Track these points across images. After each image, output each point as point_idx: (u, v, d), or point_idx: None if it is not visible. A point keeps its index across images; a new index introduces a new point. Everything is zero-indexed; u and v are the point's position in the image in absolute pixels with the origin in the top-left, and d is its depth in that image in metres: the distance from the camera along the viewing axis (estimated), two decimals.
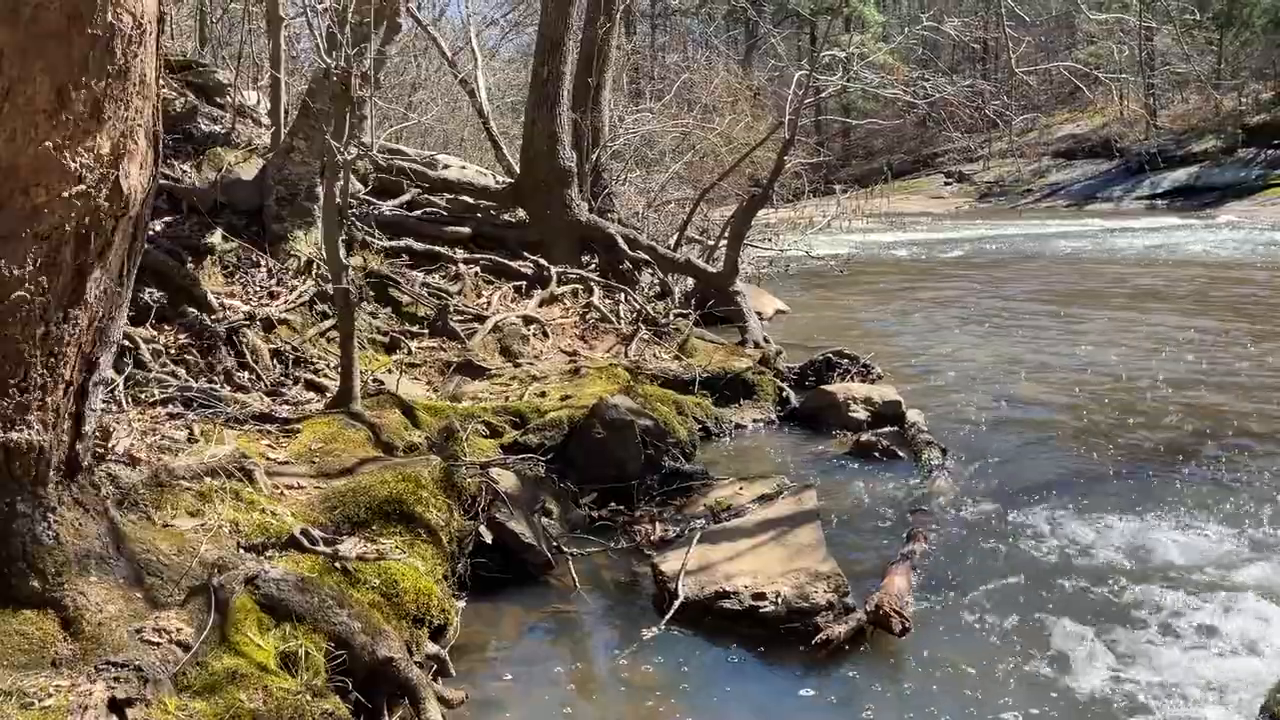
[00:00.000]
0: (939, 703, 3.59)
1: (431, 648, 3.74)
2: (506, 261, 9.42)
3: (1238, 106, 35.41)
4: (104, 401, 3.77)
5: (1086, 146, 39.52)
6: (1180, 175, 34.07)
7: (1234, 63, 37.08)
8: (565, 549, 4.86)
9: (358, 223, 8.35)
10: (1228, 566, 4.61)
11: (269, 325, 6.56)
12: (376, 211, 8.97)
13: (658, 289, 10.68)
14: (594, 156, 11.86)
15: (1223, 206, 30.42)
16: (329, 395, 5.69)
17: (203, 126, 8.31)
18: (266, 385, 6.02)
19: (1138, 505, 5.38)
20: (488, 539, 4.52)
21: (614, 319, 9.03)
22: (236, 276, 7.03)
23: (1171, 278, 15.33)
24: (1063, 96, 41.64)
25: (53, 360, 2.72)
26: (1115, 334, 10.41)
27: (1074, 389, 8.07)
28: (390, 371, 6.63)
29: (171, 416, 5.03)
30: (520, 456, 5.37)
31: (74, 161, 2.58)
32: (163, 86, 2.86)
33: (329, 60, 5.96)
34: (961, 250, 21.03)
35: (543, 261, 9.45)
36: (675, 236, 12.19)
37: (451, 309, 7.89)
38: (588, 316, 8.96)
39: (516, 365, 7.43)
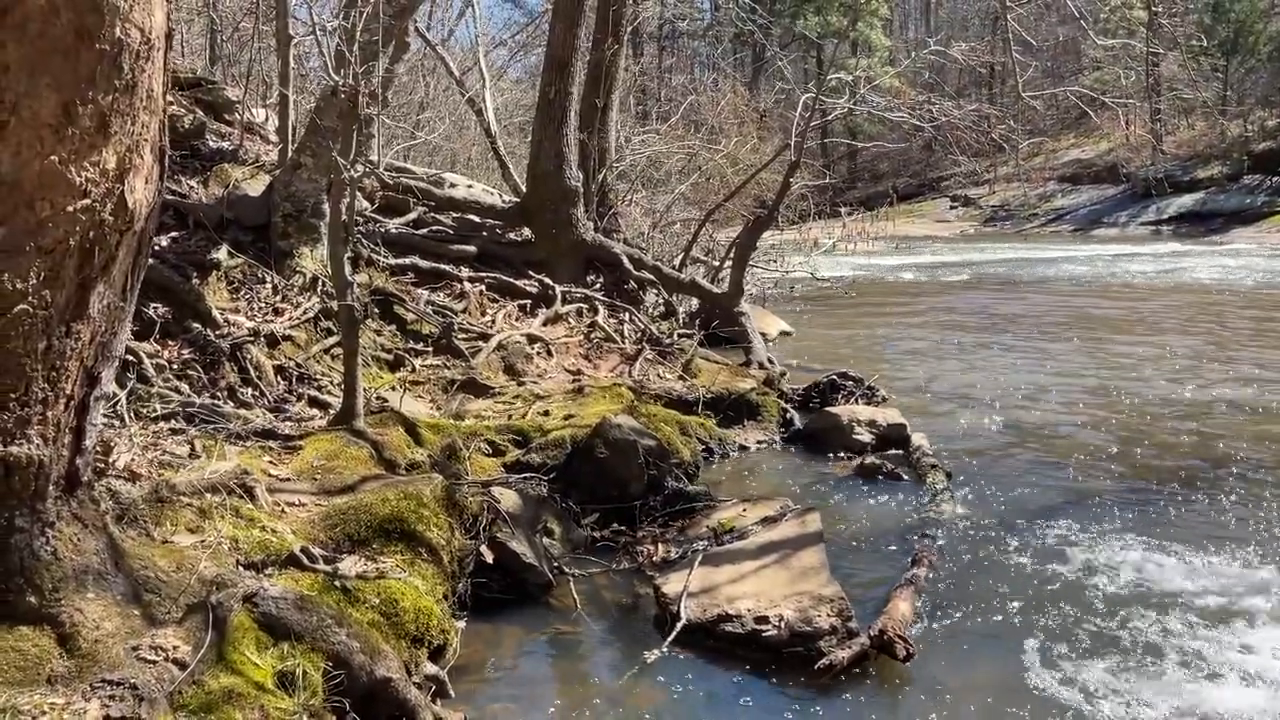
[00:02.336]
0: None
1: (430, 668, 3.71)
2: (511, 280, 9.43)
3: (1244, 133, 35.45)
4: (105, 416, 3.76)
5: (1092, 171, 39.56)
6: (1186, 201, 34.08)
7: (1240, 89, 37.19)
8: (567, 569, 4.84)
9: (364, 240, 8.36)
10: (1236, 593, 4.56)
11: (273, 341, 6.56)
12: (382, 229, 8.99)
13: (662, 309, 10.68)
14: (600, 176, 11.90)
15: (1228, 233, 30.41)
16: (332, 412, 5.68)
17: (211, 143, 8.35)
18: (269, 401, 6.02)
19: (1144, 530, 5.35)
20: (489, 558, 4.50)
21: (618, 339, 9.02)
22: (241, 292, 7.03)
23: (1177, 303, 15.30)
24: (1068, 121, 41.75)
25: (54, 374, 2.70)
26: (1119, 358, 10.38)
27: (1078, 413, 8.04)
28: (394, 389, 6.62)
29: (173, 432, 5.01)
30: (522, 475, 5.34)
31: (79, 176, 2.58)
32: (171, 103, 2.86)
33: (337, 78, 5.99)
34: (966, 274, 21.03)
35: (548, 280, 9.46)
36: (680, 257, 12.20)
37: (456, 327, 7.89)
38: (592, 336, 8.96)
39: (520, 384, 7.42)
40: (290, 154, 7.68)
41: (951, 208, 41.80)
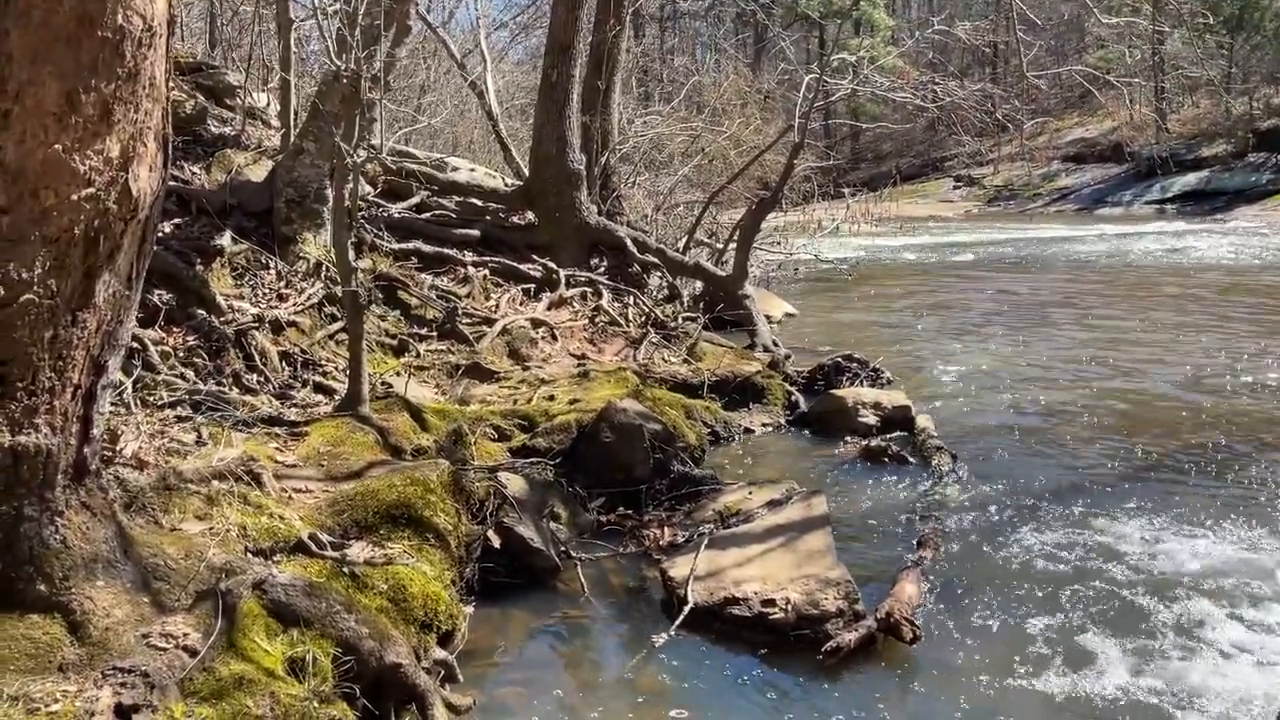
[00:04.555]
0: (949, 711, 3.57)
1: (439, 653, 3.72)
2: (515, 264, 9.41)
3: (1248, 111, 35.23)
4: (112, 404, 3.77)
5: (1096, 150, 39.33)
6: (1190, 180, 33.88)
7: (1245, 67, 36.91)
8: (573, 553, 4.85)
9: (367, 225, 8.34)
10: (1242, 574, 4.57)
11: (277, 327, 6.55)
12: (385, 214, 8.96)
13: (666, 292, 10.65)
14: (603, 159, 11.84)
15: (1232, 211, 30.24)
16: (337, 398, 5.68)
17: (212, 128, 8.32)
18: (275, 388, 6.01)
19: (1150, 512, 5.35)
20: (496, 543, 4.50)
21: (623, 322, 9.01)
22: (245, 279, 7.02)
23: (1181, 283, 15.24)
24: (1072, 100, 41.50)
25: (61, 363, 2.70)
26: (1124, 339, 10.36)
27: (1083, 394, 8.02)
28: (399, 374, 6.62)
29: (180, 419, 5.01)
30: (528, 460, 5.35)
31: (83, 164, 2.57)
32: (173, 89, 2.84)
33: (339, 62, 5.96)
34: (970, 254, 20.96)
35: (551, 264, 9.44)
36: (684, 240, 12.17)
37: (460, 312, 7.88)
38: (596, 320, 8.95)
39: (525, 368, 7.42)
40: (292, 139, 7.65)
41: (955, 188, 41.60)
